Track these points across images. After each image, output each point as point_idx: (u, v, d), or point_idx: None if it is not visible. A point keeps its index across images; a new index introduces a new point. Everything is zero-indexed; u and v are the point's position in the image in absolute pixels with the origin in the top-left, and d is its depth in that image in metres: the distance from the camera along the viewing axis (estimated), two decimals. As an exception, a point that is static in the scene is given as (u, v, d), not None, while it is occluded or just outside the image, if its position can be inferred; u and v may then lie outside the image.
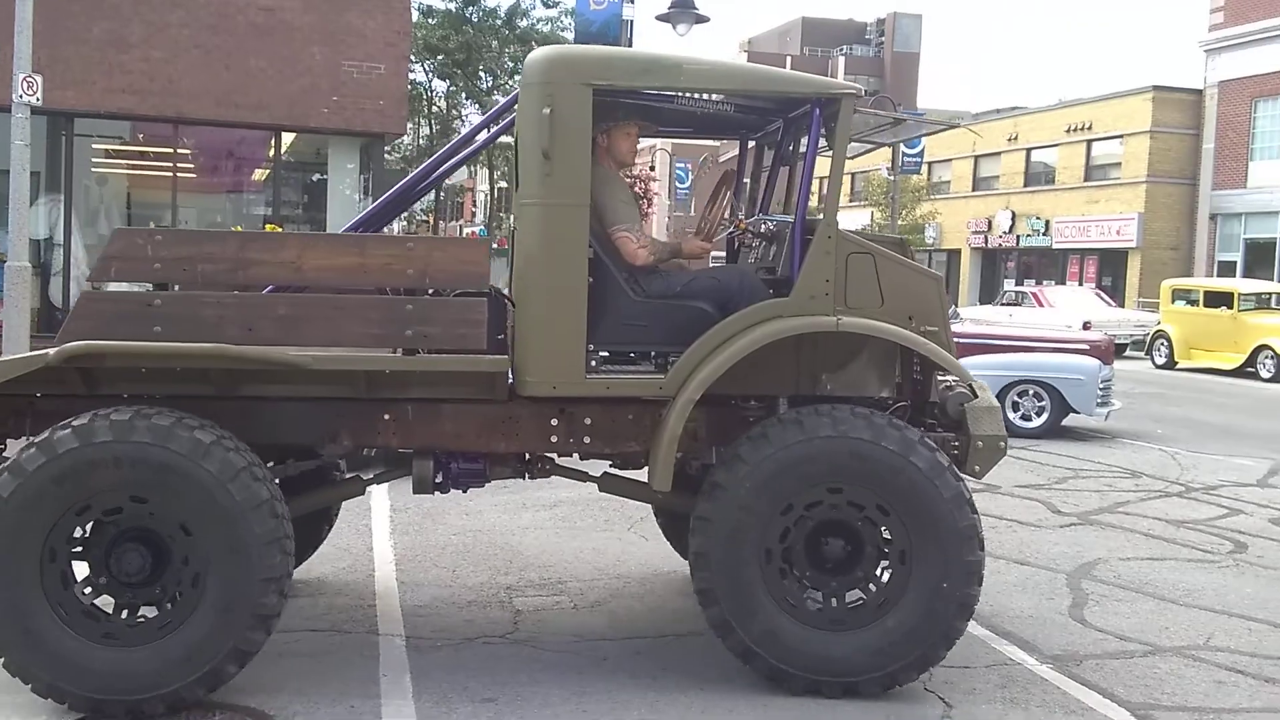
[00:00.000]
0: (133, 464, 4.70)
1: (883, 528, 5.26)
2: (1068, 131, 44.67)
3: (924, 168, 46.38)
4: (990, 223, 47.83)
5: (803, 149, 5.86)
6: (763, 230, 6.14)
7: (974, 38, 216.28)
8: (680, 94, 5.80)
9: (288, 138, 19.80)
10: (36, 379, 4.95)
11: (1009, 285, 40.05)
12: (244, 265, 5.22)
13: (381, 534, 8.02)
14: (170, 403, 4.96)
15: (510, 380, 5.34)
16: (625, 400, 5.42)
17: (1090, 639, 6.22)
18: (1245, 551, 8.38)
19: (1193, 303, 26.48)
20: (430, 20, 34.10)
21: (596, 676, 5.41)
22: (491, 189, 49.08)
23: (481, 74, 35.18)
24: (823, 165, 5.64)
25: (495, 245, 41.48)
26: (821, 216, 5.46)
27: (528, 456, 5.72)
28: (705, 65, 5.61)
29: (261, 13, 18.06)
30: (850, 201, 60.42)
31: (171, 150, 18.58)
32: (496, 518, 8.65)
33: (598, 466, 6.01)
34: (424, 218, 50.45)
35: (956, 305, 26.88)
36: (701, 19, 19.23)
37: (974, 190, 50.55)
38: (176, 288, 5.29)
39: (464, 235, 50.82)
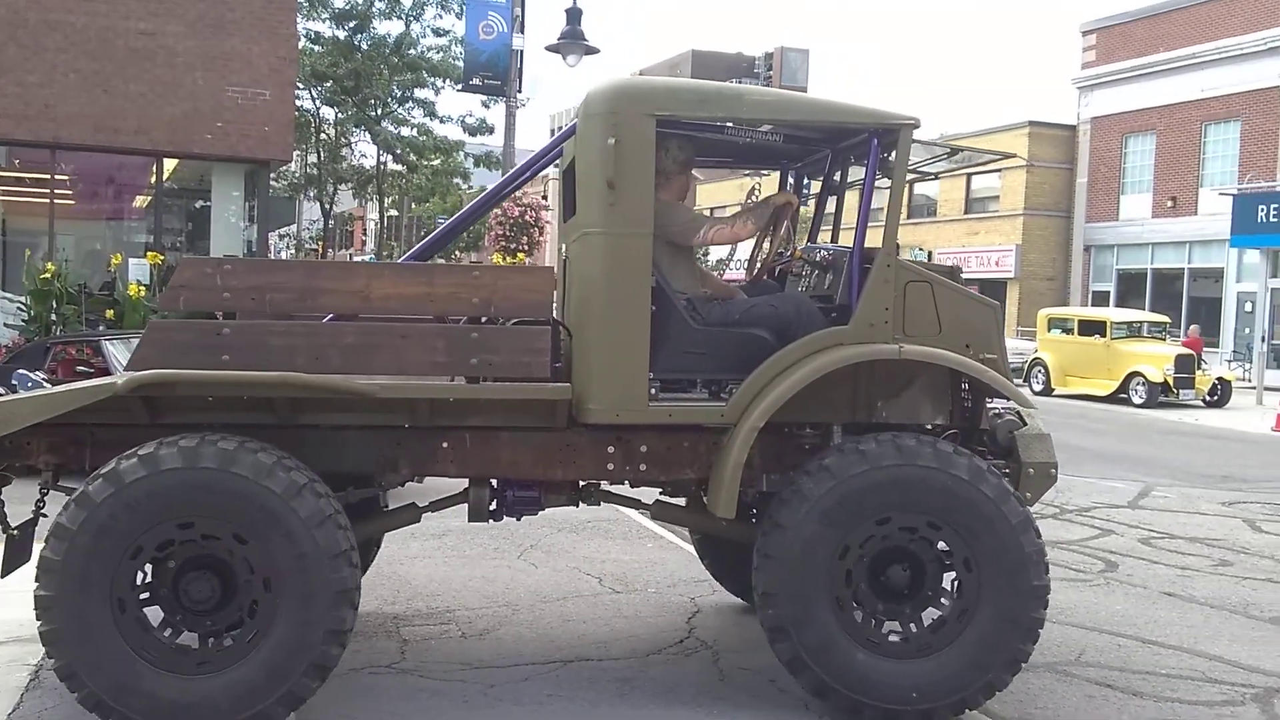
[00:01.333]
0: (226, 495, 4.70)
1: (944, 549, 5.30)
2: (948, 165, 45.73)
3: (812, 199, 47.17)
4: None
5: (851, 179, 5.99)
6: (818, 259, 6.18)
7: (859, 73, 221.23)
8: (731, 124, 5.77)
9: (170, 164, 19.46)
10: (99, 408, 4.89)
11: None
12: (312, 294, 5.20)
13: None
14: (232, 431, 4.92)
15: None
16: (681, 428, 5.44)
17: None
18: (1116, 570, 8.68)
19: (1068, 331, 27.34)
20: (318, 47, 33.74)
21: (483, 704, 5.39)
22: (381, 217, 48.64)
23: (371, 101, 34.88)
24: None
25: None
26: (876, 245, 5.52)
27: (580, 484, 5.73)
28: (767, 96, 5.71)
29: (141, 37, 17.77)
30: (740, 232, 61.11)
31: (49, 176, 18.13)
32: (385, 547, 8.51)
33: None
34: (313, 245, 49.77)
35: None
36: (591, 50, 19.41)
37: (860, 221, 51.40)
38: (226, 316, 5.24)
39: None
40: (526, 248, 18.64)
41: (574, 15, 19.13)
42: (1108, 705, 5.72)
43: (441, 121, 36.22)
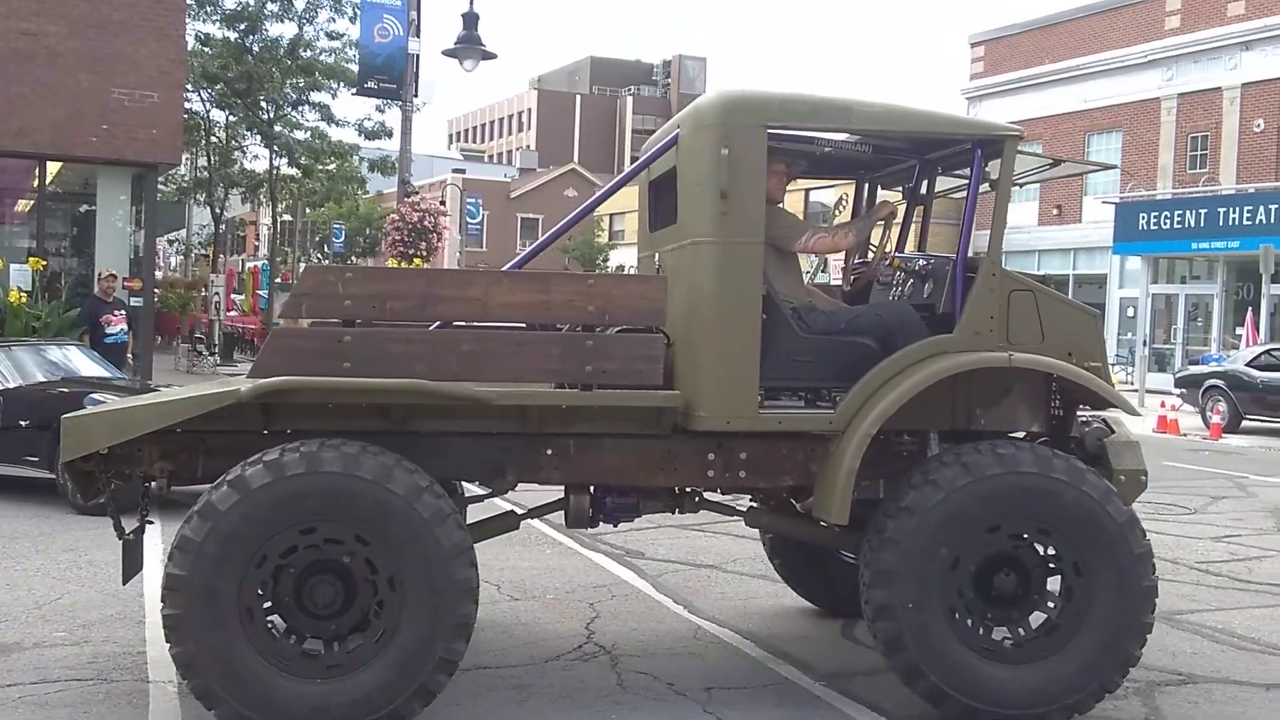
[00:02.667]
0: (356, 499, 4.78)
1: (1053, 556, 5.36)
2: (843, 173, 46.41)
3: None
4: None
5: (938, 188, 6.17)
6: (916, 268, 6.20)
7: (757, 81, 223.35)
8: (823, 134, 5.87)
9: (53, 167, 18.92)
10: (216, 416, 4.95)
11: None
12: (431, 301, 5.21)
13: (153, 578, 7.68)
14: (344, 438, 4.95)
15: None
16: (780, 435, 5.47)
17: (862, 656, 6.46)
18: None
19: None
20: (208, 49, 33.06)
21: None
22: (274, 222, 47.85)
23: (263, 104, 34.27)
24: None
25: (280, 280, 40.25)
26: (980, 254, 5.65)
27: (677, 490, 5.77)
28: (875, 107, 5.72)
29: (23, 37, 17.27)
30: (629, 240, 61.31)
31: (-76, 178, 17.50)
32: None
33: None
34: (203, 251, 48.73)
35: None
36: (489, 55, 19.34)
37: (757, 228, 51.93)
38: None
39: (245, 269, 49.30)
40: (424, 253, 18.50)
41: (470, 20, 19.04)
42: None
43: (337, 125, 35.74)
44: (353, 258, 61.56)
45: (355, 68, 24.91)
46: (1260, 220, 26.78)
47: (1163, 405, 21.78)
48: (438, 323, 5.36)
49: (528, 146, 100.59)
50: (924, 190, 6.63)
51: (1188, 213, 30.50)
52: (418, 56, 20.66)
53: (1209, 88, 32.48)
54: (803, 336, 5.58)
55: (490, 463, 5.41)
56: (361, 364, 5.02)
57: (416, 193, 20.11)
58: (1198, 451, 18.42)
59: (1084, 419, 5.94)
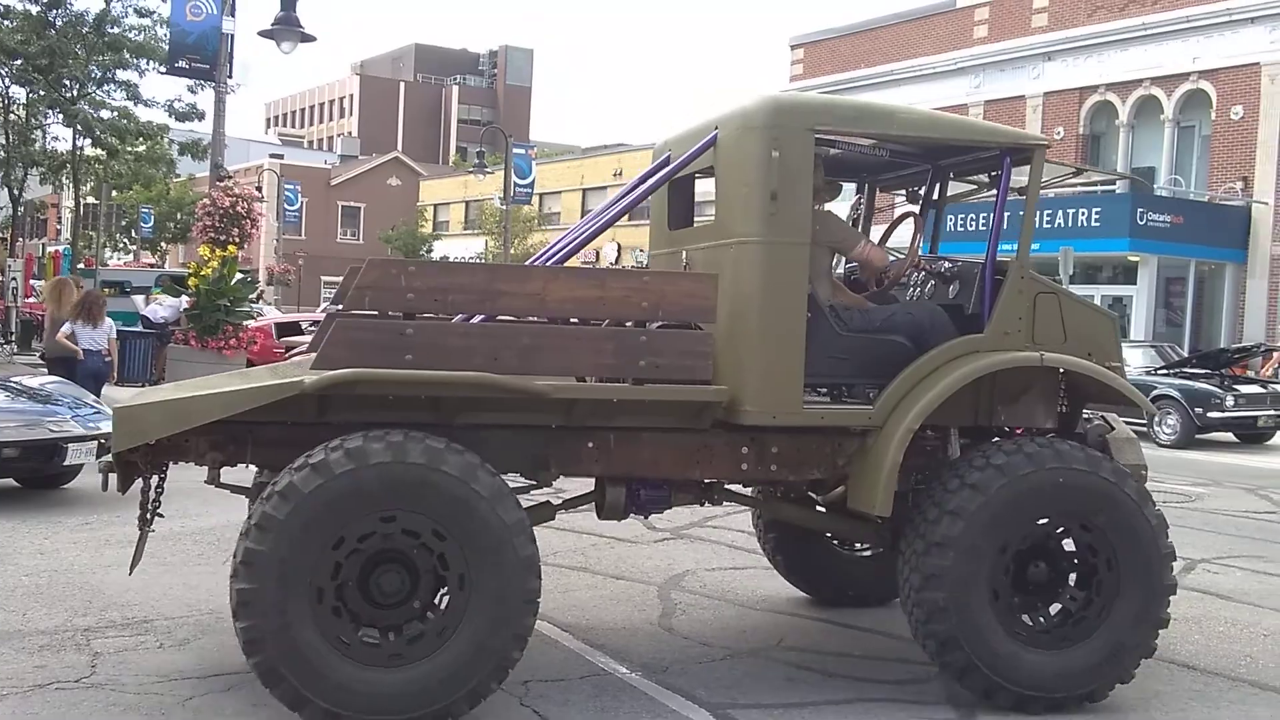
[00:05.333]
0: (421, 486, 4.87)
1: (1090, 552, 5.64)
2: (668, 168, 46.95)
3: (535, 199, 47.47)
4: (598, 254, 49.57)
5: (950, 192, 6.54)
6: (943, 270, 6.44)
7: (583, 75, 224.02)
8: (848, 138, 6.05)
9: None
10: (272, 406, 4.96)
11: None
12: (492, 296, 5.29)
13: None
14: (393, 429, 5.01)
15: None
16: (811, 430, 5.68)
17: (677, 646, 6.57)
18: (816, 558, 9.12)
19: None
20: (8, 22, 31.27)
21: (181, 717, 5.15)
22: (77, 205, 45.65)
23: (66, 82, 32.59)
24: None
25: (83, 265, 38.40)
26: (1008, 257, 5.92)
27: (704, 482, 5.94)
28: (915, 114, 6.14)
29: None
30: (464, 230, 60.87)
31: None
32: (75, 556, 8.07)
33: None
34: (0, 235, 46.19)
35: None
36: (308, 38, 18.83)
37: (582, 222, 52.14)
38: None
39: (45, 253, 46.89)
40: (238, 239, 17.91)
41: (288, 1, 18.50)
42: (806, 686, 5.98)
43: (146, 105, 34.26)
44: (162, 243, 59.33)
45: (166, 46, 23.91)
46: (1059, 224, 28.09)
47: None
48: (460, 315, 5.44)
49: (350, 133, 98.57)
50: (935, 195, 6.92)
51: (990, 215, 31.76)
52: (232, 36, 19.98)
53: (1013, 95, 34.01)
54: (841, 334, 5.81)
55: (533, 456, 5.57)
56: (422, 356, 5.08)
57: (230, 177, 19.42)
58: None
59: (1085, 416, 6.31)
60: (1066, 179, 7.12)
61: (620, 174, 49.75)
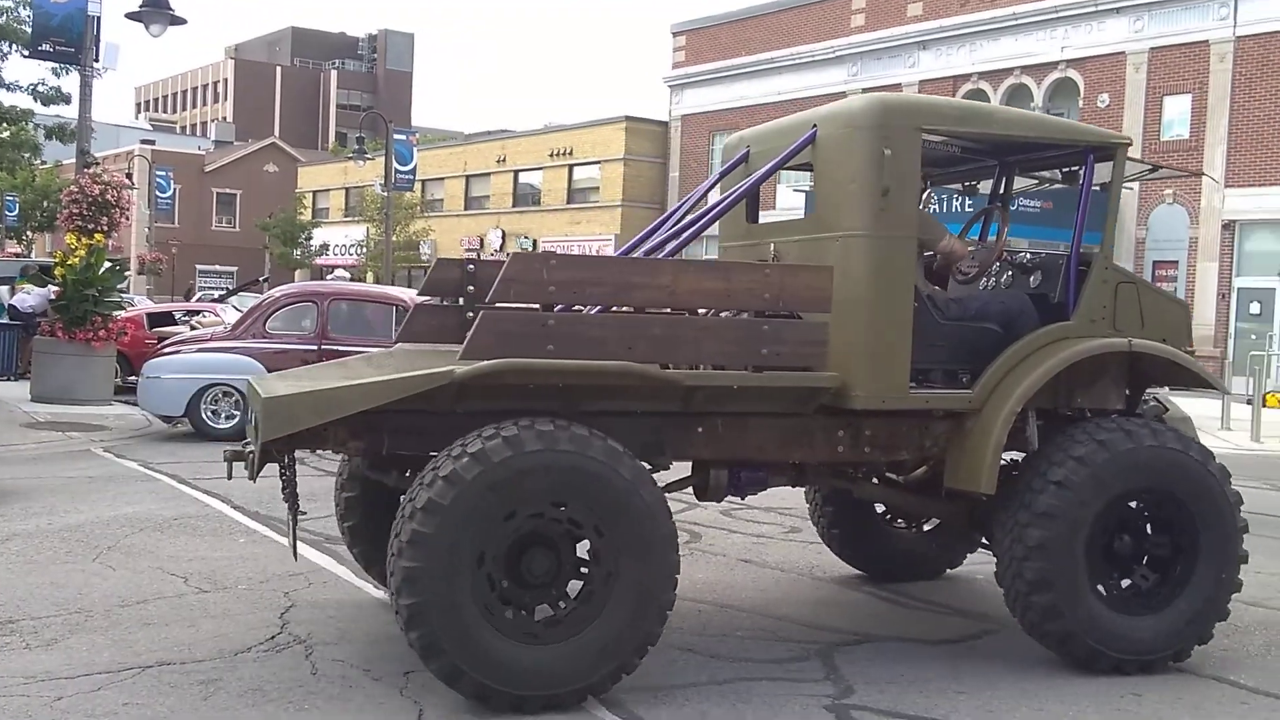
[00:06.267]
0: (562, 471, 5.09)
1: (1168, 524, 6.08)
2: (551, 156, 46.99)
3: (417, 185, 46.93)
4: (483, 241, 49.27)
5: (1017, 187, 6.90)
6: (1024, 260, 6.79)
7: (465, 60, 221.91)
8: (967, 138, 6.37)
9: None
10: (414, 396, 5.12)
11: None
12: (625, 288, 5.49)
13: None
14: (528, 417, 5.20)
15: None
16: (903, 413, 5.98)
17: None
18: (699, 541, 9.20)
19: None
20: None
21: (48, 718, 4.99)
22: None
23: (-79, 65, 31.20)
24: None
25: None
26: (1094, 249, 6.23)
27: (797, 464, 6.21)
28: (1012, 114, 6.74)
29: None
30: (345, 217, 59.92)
31: None
32: (-65, 558, 7.76)
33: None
34: None
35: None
36: (178, 20, 18.33)
37: (466, 209, 51.85)
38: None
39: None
40: (106, 228, 17.36)
41: (157, -18, 17.95)
42: (689, 668, 6.02)
43: (9, 90, 32.98)
44: (28, 232, 57.25)
45: (29, 29, 23.04)
46: (934, 209, 28.75)
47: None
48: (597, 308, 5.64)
49: (224, 118, 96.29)
50: (1001, 189, 7.20)
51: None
52: (99, 19, 19.33)
53: (890, 83, 34.64)
54: (940, 322, 6.12)
55: (649, 441, 5.71)
56: (562, 346, 5.28)
57: (98, 163, 18.83)
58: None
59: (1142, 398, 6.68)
60: (1144, 175, 7.50)
61: (504, 160, 49.49)
